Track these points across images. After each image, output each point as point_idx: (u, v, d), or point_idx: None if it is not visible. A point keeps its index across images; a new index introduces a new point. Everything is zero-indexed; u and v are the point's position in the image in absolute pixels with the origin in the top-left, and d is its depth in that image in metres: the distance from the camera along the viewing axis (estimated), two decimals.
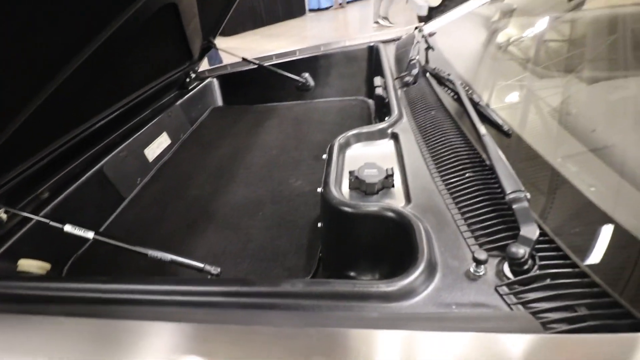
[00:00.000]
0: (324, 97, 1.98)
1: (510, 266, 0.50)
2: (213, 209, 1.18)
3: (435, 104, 1.01)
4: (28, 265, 0.84)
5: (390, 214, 0.64)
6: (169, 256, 0.77)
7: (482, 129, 0.72)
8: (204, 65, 2.18)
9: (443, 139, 0.83)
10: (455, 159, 0.75)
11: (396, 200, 0.71)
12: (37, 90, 0.83)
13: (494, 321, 0.44)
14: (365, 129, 0.95)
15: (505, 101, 0.97)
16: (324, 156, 0.91)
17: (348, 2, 10.50)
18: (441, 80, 1.06)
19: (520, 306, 0.46)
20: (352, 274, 0.76)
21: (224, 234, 1.07)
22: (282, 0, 8.76)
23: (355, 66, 1.96)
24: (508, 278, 0.49)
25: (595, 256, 0.47)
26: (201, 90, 1.93)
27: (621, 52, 0.82)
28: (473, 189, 0.65)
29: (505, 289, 0.48)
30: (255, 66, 1.84)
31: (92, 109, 1.15)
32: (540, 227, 0.51)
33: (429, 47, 1.41)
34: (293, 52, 1.98)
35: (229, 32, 7.24)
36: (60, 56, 0.84)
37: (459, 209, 0.64)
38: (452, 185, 0.69)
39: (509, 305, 0.46)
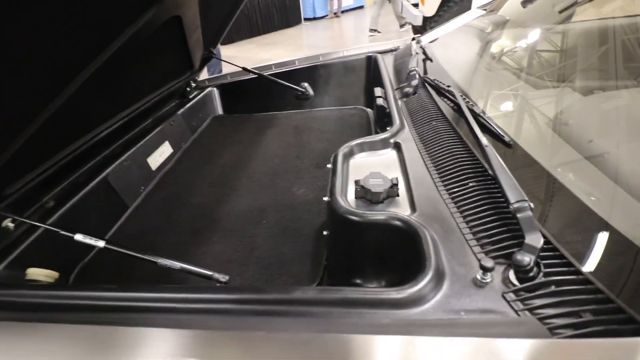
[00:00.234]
0: (323, 106, 2.01)
1: (516, 273, 0.52)
2: (217, 217, 1.19)
3: (435, 114, 1.03)
4: (37, 273, 0.85)
5: (397, 222, 0.66)
6: (177, 264, 0.78)
7: (484, 139, 0.75)
8: (203, 75, 2.20)
9: (445, 149, 0.85)
10: (458, 168, 0.77)
11: (401, 209, 0.73)
12: (47, 103, 0.84)
13: (502, 327, 0.46)
14: (369, 139, 0.97)
15: (504, 112, 1.00)
16: (328, 165, 0.93)
17: (343, 12, 10.65)
18: (441, 91, 1.09)
19: (527, 312, 0.47)
20: (358, 281, 0.77)
21: (229, 241, 1.08)
22: (278, 9, 8.87)
23: (353, 76, 1.99)
24: (514, 285, 0.51)
25: (599, 263, 0.49)
26: (202, 100, 1.95)
27: (620, 63, 0.85)
28: (477, 198, 0.68)
29: (512, 296, 0.50)
30: (255, 76, 1.86)
31: (96, 119, 1.17)
32: (544, 236, 0.53)
33: (427, 58, 1.45)
34: (292, 62, 2.01)
35: (225, 40, 7.24)
36: (70, 69, 0.86)
37: (464, 217, 0.66)
38: (455, 194, 0.71)
39: (516, 311, 0.48)
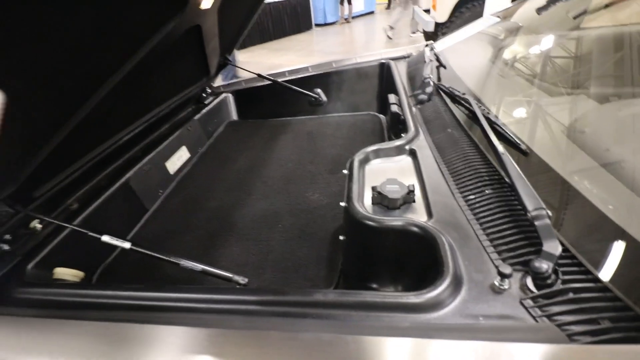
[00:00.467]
0: (336, 112, 2.03)
1: (534, 280, 0.53)
2: (233, 221, 1.22)
3: (450, 121, 1.05)
4: (64, 273, 0.88)
5: (415, 228, 0.67)
6: (199, 266, 0.80)
7: (501, 147, 0.76)
8: (218, 80, 2.25)
9: (461, 156, 0.87)
10: (474, 175, 0.78)
11: (418, 215, 0.74)
12: (76, 111, 0.88)
13: (521, 332, 0.47)
14: (384, 145, 0.98)
15: (520, 119, 1.01)
16: (344, 171, 0.95)
17: (354, 17, 10.70)
18: (456, 99, 1.10)
19: (545, 319, 0.48)
20: (374, 285, 0.78)
21: (245, 245, 1.10)
22: (289, 15, 8.96)
23: (366, 82, 2.01)
24: (532, 292, 0.52)
25: (616, 271, 0.50)
26: (217, 105, 1.99)
27: (636, 70, 0.85)
28: (493, 205, 0.69)
29: (530, 302, 0.51)
30: (269, 82, 1.90)
31: (119, 125, 1.21)
32: (561, 243, 0.54)
33: (440, 65, 1.46)
34: (306, 69, 2.04)
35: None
36: (98, 78, 0.90)
37: (480, 224, 0.67)
38: (472, 201, 0.73)
39: (534, 317, 0.49)
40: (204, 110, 1.87)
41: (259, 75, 1.92)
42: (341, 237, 0.91)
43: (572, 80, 1.03)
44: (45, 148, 0.87)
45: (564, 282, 0.51)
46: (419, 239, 0.67)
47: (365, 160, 0.96)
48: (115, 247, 0.86)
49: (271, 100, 2.06)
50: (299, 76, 1.99)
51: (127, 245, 0.83)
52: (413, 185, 0.77)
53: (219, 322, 0.59)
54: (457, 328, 0.50)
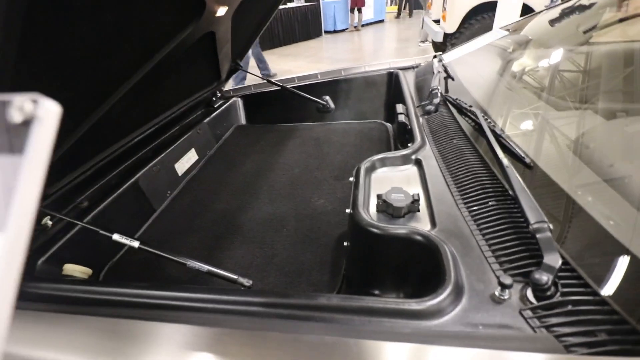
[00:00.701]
0: (343, 119, 2.05)
1: (534, 291, 0.54)
2: (239, 224, 1.24)
3: (456, 132, 1.06)
4: (73, 269, 0.90)
5: (418, 237, 0.69)
6: (205, 267, 0.82)
7: (505, 160, 0.77)
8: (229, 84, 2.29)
9: (466, 167, 0.88)
10: (478, 187, 0.79)
11: (422, 224, 0.75)
12: (93, 111, 0.91)
13: (519, 342, 0.48)
14: (391, 154, 1.00)
15: (525, 132, 1.02)
16: (351, 179, 0.96)
17: (363, 25, 10.78)
18: (462, 111, 1.12)
19: (543, 329, 0.49)
20: (376, 292, 0.80)
21: (250, 247, 1.12)
22: (300, 22, 9.06)
23: (374, 91, 2.03)
24: (531, 303, 0.53)
25: (615, 286, 0.50)
26: (226, 109, 2.02)
27: None
28: (496, 217, 0.70)
29: (529, 313, 0.52)
30: (278, 88, 1.93)
31: (131, 126, 1.24)
32: (562, 256, 0.55)
33: (448, 77, 1.48)
34: (314, 76, 2.07)
35: None
36: (115, 81, 0.93)
37: (483, 235, 0.68)
38: (475, 212, 0.74)
39: (532, 328, 0.50)
40: (213, 114, 1.90)
41: (268, 81, 1.95)
42: (345, 243, 0.92)
43: (578, 95, 1.04)
44: (61, 148, 0.90)
45: (563, 294, 0.52)
46: (422, 248, 0.68)
47: (371, 168, 0.98)
48: (121, 246, 0.88)
49: (279, 105, 2.09)
50: (308, 82, 2.02)
51: (135, 244, 0.85)
52: (418, 195, 0.78)
53: (224, 321, 0.61)
54: (457, 335, 0.51)
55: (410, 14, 13.41)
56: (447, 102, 1.25)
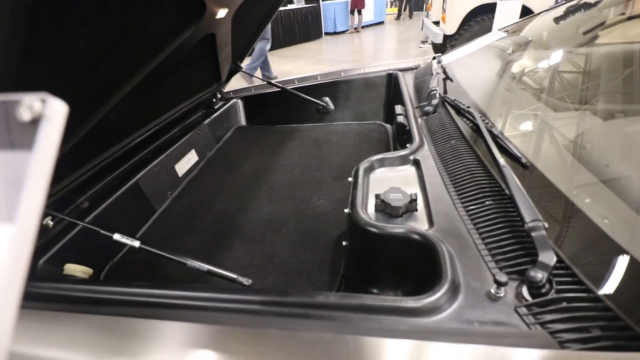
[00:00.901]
0: (343, 120, 2.07)
1: (529, 289, 0.55)
2: (239, 224, 1.24)
3: (454, 133, 1.07)
4: (74, 269, 0.91)
5: (416, 236, 0.70)
6: (205, 266, 0.83)
7: (502, 160, 0.78)
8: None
9: (463, 167, 0.89)
10: (475, 187, 0.80)
11: (419, 224, 0.76)
12: (94, 112, 0.92)
13: (514, 338, 0.49)
14: (389, 155, 1.01)
15: (522, 133, 1.03)
16: (350, 179, 0.97)
17: (363, 27, 10.81)
18: (460, 112, 1.13)
19: (538, 326, 0.50)
20: (374, 290, 0.80)
21: (250, 247, 1.12)
22: (300, 23, 9.09)
23: (373, 92, 2.04)
24: (526, 300, 0.54)
25: (608, 283, 0.51)
26: (227, 111, 2.03)
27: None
28: (493, 216, 0.71)
29: (524, 310, 0.53)
30: (278, 89, 1.94)
31: (132, 127, 1.25)
32: (557, 254, 0.56)
33: (447, 78, 1.49)
34: (314, 77, 2.08)
35: None
36: (116, 82, 0.94)
37: (480, 234, 0.69)
38: (472, 211, 0.75)
39: (527, 324, 0.51)
40: (213, 115, 1.91)
41: (268, 82, 1.96)
42: (344, 243, 0.93)
43: (575, 95, 1.05)
44: (63, 148, 0.91)
45: (558, 291, 0.53)
46: (419, 247, 0.69)
47: (370, 169, 0.99)
48: (122, 246, 0.89)
49: (279, 107, 2.10)
50: (308, 84, 2.03)
51: (136, 243, 0.86)
52: (416, 194, 0.79)
53: (224, 319, 0.62)
54: (453, 332, 0.52)
55: (411, 16, 13.45)
56: (446, 103, 1.26)
